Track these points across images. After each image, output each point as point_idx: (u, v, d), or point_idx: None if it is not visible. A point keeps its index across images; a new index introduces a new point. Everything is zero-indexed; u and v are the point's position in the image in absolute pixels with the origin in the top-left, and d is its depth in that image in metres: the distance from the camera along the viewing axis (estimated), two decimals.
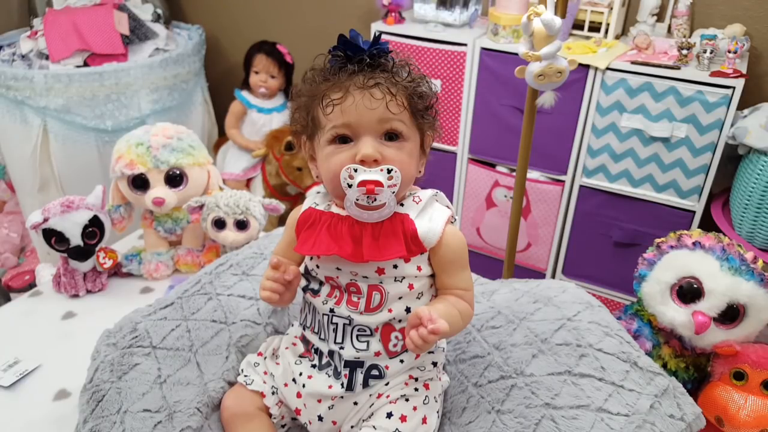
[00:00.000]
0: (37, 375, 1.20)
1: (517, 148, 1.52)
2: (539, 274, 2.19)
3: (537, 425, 0.90)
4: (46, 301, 1.44)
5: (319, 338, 0.94)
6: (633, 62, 1.77)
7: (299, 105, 0.91)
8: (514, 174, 1.90)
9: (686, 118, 1.74)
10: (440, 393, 0.98)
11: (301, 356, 0.97)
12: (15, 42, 2.32)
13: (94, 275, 1.48)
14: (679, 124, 1.75)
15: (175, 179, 1.51)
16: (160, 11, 2.49)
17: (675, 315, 1.20)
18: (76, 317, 1.39)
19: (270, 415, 0.97)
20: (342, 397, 0.91)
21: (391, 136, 0.86)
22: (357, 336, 0.90)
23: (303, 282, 0.96)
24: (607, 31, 1.94)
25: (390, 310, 0.89)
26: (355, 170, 0.82)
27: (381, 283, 0.88)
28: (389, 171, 0.83)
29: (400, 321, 0.90)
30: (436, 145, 1.88)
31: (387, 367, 0.91)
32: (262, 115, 2.50)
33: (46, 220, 1.39)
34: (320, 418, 0.93)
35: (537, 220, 2.09)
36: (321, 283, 0.93)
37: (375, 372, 0.91)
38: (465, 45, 1.97)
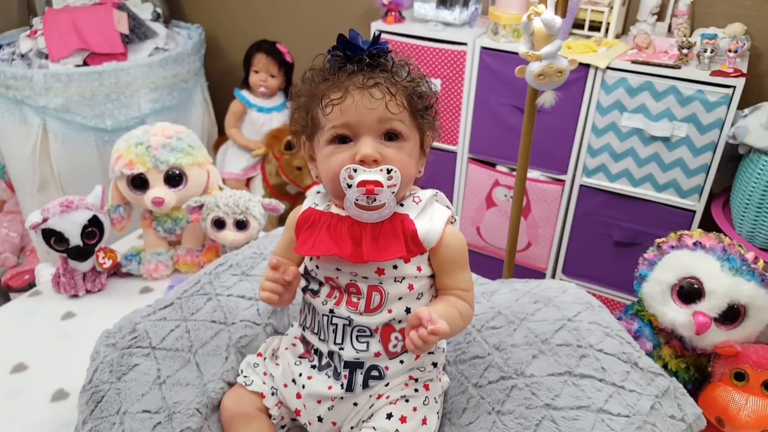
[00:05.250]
0: (36, 375, 1.20)
1: (517, 147, 1.52)
2: (539, 274, 2.19)
3: (537, 426, 0.90)
4: (46, 301, 1.44)
5: (319, 339, 0.94)
6: (633, 61, 1.77)
7: (298, 105, 0.91)
8: (514, 173, 1.90)
9: (687, 118, 1.73)
10: (440, 394, 0.98)
11: (300, 357, 0.97)
12: (14, 41, 2.32)
13: (94, 275, 1.47)
14: (679, 123, 1.75)
15: (174, 179, 1.51)
16: (159, 10, 2.49)
17: (676, 315, 1.20)
18: (76, 317, 1.39)
19: (270, 416, 0.96)
20: (342, 397, 0.91)
21: (391, 136, 0.86)
22: (357, 337, 0.90)
23: (302, 282, 0.96)
24: (607, 31, 1.93)
25: (390, 311, 0.89)
26: (355, 170, 0.82)
27: (381, 283, 0.88)
28: (389, 171, 0.82)
29: (400, 321, 0.90)
30: (436, 144, 1.88)
31: (387, 368, 0.91)
32: (262, 115, 2.50)
33: (45, 220, 1.39)
34: (320, 419, 0.93)
35: (537, 220, 2.09)
36: (321, 284, 0.93)
37: (375, 373, 0.91)
38: (465, 44, 1.97)
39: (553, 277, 2.17)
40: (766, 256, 1.58)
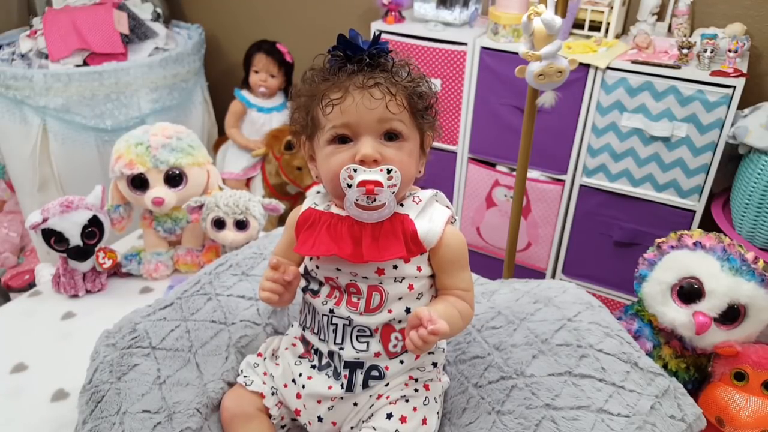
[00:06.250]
0: (36, 375, 1.20)
1: (517, 147, 1.52)
2: (539, 274, 2.19)
3: (537, 426, 0.90)
4: (46, 301, 1.44)
5: (319, 339, 0.94)
6: (633, 61, 1.77)
7: (299, 105, 0.91)
8: (514, 173, 1.90)
9: (687, 118, 1.73)
10: (440, 394, 0.98)
11: (300, 357, 0.97)
12: (14, 41, 2.32)
13: (94, 275, 1.47)
14: (679, 123, 1.75)
15: (174, 179, 1.51)
16: (159, 10, 2.48)
17: (676, 315, 1.20)
18: (76, 317, 1.39)
19: (270, 416, 0.96)
20: (342, 397, 0.91)
21: (391, 136, 0.86)
22: (357, 337, 0.90)
23: (302, 282, 0.96)
24: (607, 31, 1.93)
25: (390, 311, 0.89)
26: (355, 170, 0.82)
27: (381, 283, 0.88)
28: (389, 171, 0.82)
29: (400, 321, 0.90)
30: (436, 144, 1.88)
31: (387, 368, 0.91)
32: (262, 115, 2.50)
33: (45, 220, 1.39)
34: (320, 419, 0.93)
35: (537, 220, 2.09)
36: (321, 284, 0.93)
37: (375, 373, 0.91)
38: (465, 44, 1.97)
39: (553, 277, 2.17)
40: (766, 256, 1.58)
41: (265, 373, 0.99)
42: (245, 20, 2.75)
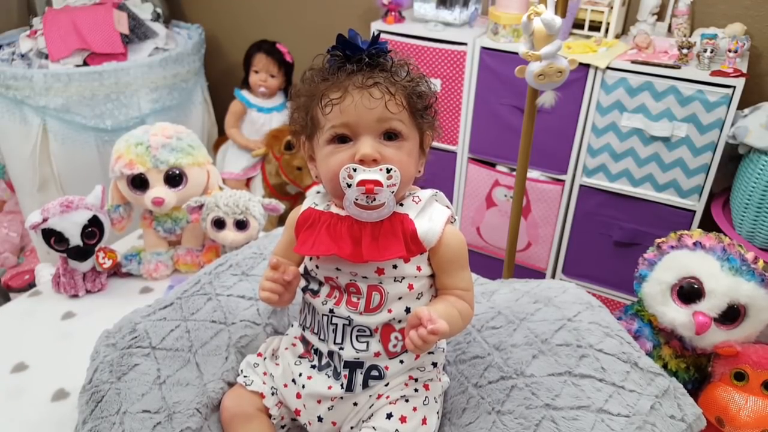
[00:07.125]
0: (36, 375, 1.20)
1: (517, 147, 1.52)
2: (539, 274, 2.19)
3: (537, 426, 0.90)
4: (46, 301, 1.44)
5: (319, 339, 0.94)
6: (633, 61, 1.77)
7: (298, 105, 0.91)
8: (514, 173, 1.90)
9: (686, 118, 1.73)
10: (440, 394, 0.98)
11: (300, 357, 0.97)
12: (14, 41, 2.32)
13: (94, 275, 1.47)
14: (679, 123, 1.75)
15: (174, 179, 1.51)
16: (159, 10, 2.49)
17: (675, 315, 1.20)
18: (76, 317, 1.39)
19: (270, 416, 0.96)
20: (342, 397, 0.91)
21: (390, 135, 0.86)
22: (356, 336, 0.90)
23: (302, 282, 0.96)
24: (607, 31, 1.93)
25: (390, 311, 0.89)
26: (354, 170, 0.82)
27: (380, 283, 0.88)
28: (388, 170, 0.82)
29: (399, 321, 0.90)
30: (436, 144, 1.88)
31: (387, 368, 0.91)
32: (262, 115, 2.50)
33: (45, 220, 1.39)
34: (320, 419, 0.93)
35: (537, 220, 2.09)
36: (320, 284, 0.93)
37: (375, 372, 0.91)
38: (465, 44, 1.97)
39: (553, 277, 2.17)
40: (766, 256, 1.58)
41: (265, 373, 0.99)
42: (245, 20, 2.75)
